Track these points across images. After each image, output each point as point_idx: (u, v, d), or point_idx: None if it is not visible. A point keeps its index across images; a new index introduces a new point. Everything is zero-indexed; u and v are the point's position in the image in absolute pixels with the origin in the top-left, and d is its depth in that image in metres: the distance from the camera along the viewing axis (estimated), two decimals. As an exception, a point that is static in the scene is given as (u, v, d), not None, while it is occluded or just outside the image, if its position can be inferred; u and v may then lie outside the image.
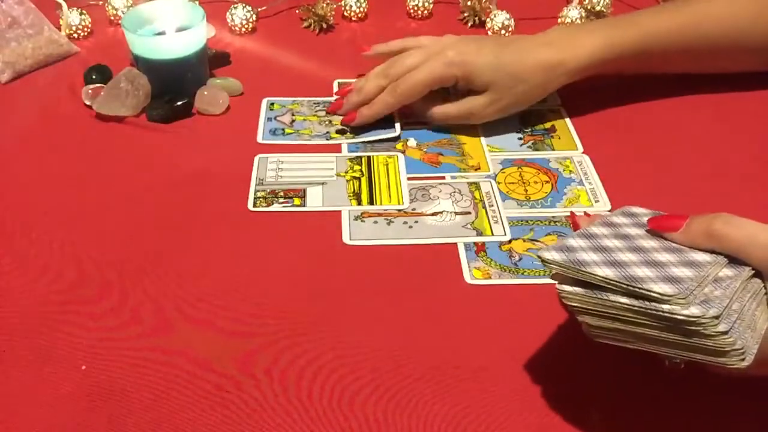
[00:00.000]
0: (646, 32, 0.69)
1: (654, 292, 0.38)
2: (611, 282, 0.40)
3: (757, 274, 0.41)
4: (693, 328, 0.38)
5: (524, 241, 0.59)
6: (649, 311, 0.39)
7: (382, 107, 0.69)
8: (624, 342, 0.41)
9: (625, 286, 0.39)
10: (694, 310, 0.38)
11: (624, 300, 0.40)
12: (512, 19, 0.86)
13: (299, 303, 0.54)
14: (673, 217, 0.44)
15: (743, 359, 0.38)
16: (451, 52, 0.67)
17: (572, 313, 0.43)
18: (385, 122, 0.71)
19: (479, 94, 0.68)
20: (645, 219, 0.46)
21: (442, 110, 0.70)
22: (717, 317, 0.37)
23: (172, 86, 0.74)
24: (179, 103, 0.73)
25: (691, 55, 0.72)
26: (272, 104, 0.76)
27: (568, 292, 0.42)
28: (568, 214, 0.61)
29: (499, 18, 0.86)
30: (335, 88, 0.78)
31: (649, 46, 0.69)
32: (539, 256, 0.43)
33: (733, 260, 0.41)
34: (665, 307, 0.38)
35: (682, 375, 0.45)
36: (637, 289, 0.39)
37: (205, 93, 0.75)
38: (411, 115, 0.71)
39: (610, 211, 0.55)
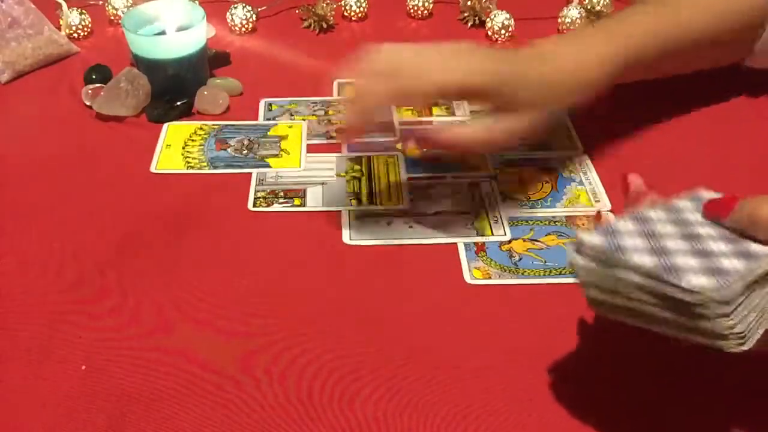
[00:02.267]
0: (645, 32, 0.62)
1: (684, 285, 0.35)
2: (638, 268, 0.37)
3: None
4: (696, 308, 0.35)
5: (524, 241, 0.59)
6: (655, 290, 0.37)
7: (374, 99, 0.53)
8: (624, 318, 0.39)
9: (648, 272, 0.36)
10: (702, 281, 0.35)
11: (636, 278, 0.37)
12: (512, 19, 0.86)
13: (299, 303, 0.54)
14: (727, 199, 0.39)
15: (742, 344, 0.36)
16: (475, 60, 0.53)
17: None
18: (385, 126, 0.71)
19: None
20: None
21: (467, 134, 0.55)
22: (726, 302, 0.35)
23: (172, 86, 0.74)
24: (179, 103, 0.74)
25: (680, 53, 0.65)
26: (270, 105, 0.76)
27: (580, 266, 0.39)
28: (569, 214, 0.61)
29: (499, 18, 0.86)
30: (335, 88, 0.78)
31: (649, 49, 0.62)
32: (578, 238, 0.39)
33: None
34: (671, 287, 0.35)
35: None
36: (668, 281, 0.36)
37: (205, 93, 0.75)
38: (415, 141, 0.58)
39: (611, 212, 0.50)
